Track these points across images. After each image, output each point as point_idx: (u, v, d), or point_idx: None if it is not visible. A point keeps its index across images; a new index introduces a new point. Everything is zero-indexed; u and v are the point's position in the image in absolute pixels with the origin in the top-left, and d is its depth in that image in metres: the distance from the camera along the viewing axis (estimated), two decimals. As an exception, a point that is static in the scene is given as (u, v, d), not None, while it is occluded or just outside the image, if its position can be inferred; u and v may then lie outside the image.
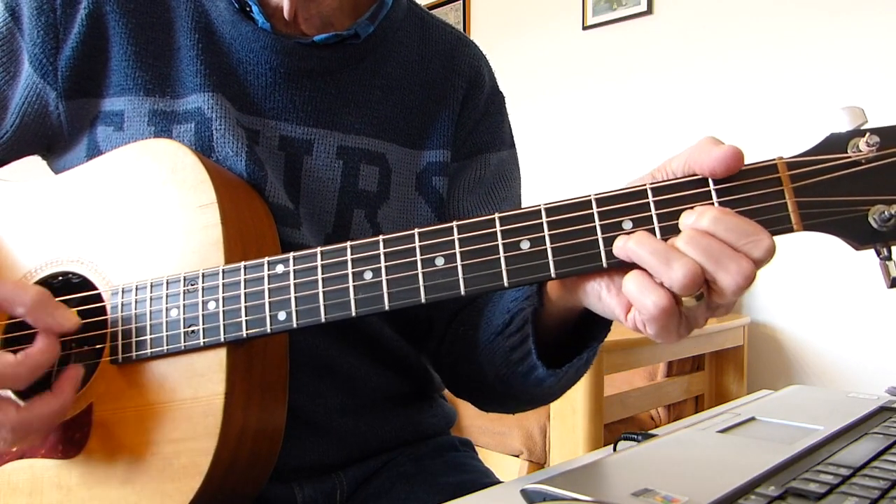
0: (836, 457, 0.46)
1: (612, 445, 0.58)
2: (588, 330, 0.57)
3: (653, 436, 0.55)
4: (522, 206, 0.81)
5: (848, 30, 2.20)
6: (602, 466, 0.46)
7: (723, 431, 0.55)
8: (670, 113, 2.59)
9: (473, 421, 1.98)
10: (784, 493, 0.39)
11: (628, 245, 0.44)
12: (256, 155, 0.63)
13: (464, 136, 0.75)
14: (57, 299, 0.59)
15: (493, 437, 1.93)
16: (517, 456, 1.88)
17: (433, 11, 0.81)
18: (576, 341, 0.58)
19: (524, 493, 0.42)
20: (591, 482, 0.42)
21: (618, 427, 1.84)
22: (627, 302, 0.46)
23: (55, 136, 0.67)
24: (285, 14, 0.66)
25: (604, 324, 0.56)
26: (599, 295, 0.49)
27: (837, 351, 2.23)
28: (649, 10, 2.66)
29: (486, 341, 0.62)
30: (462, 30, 3.33)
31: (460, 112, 0.75)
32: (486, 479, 0.72)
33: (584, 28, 2.85)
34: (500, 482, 0.64)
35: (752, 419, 0.59)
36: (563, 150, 2.90)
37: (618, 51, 2.76)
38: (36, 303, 0.51)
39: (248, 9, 0.67)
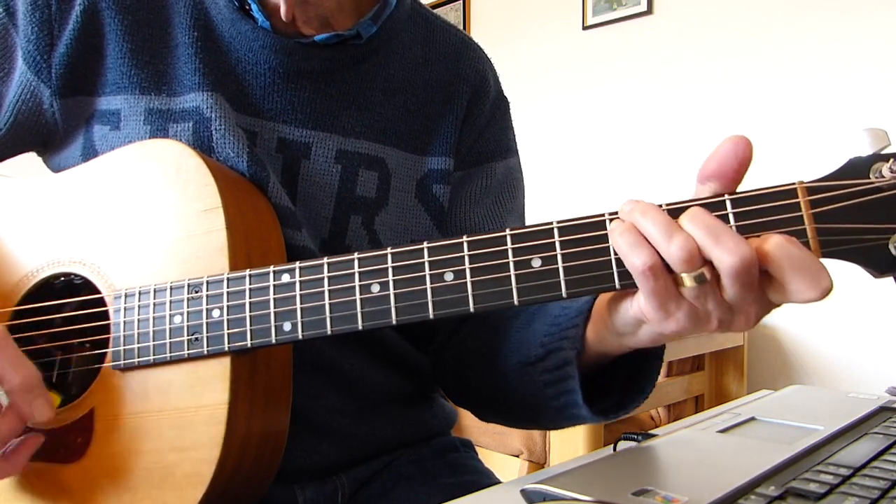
0: (836, 457, 0.46)
1: (612, 445, 0.58)
2: (626, 375, 0.55)
3: (653, 436, 0.55)
4: (526, 212, 0.81)
5: (850, 29, 2.19)
6: (602, 466, 0.46)
7: (723, 431, 0.55)
8: (670, 113, 2.59)
9: (473, 421, 1.96)
10: (784, 493, 0.39)
11: (634, 214, 0.43)
12: (257, 156, 0.62)
13: (469, 143, 0.74)
14: (60, 301, 0.59)
15: (493, 437, 1.93)
16: (517, 456, 1.88)
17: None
18: (611, 380, 0.56)
19: (524, 493, 0.42)
20: (591, 482, 0.42)
21: (618, 427, 1.84)
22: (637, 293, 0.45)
23: (50, 133, 0.66)
24: (282, 16, 0.64)
25: (649, 368, 0.54)
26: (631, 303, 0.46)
27: (837, 351, 2.23)
28: (649, 10, 2.66)
29: (515, 367, 0.59)
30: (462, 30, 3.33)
31: (464, 118, 0.73)
32: (486, 480, 0.72)
33: (584, 28, 2.85)
34: (500, 483, 0.64)
35: (752, 419, 0.59)
36: (562, 151, 2.89)
37: (618, 51, 2.76)
38: (20, 386, 0.51)
39: (247, 6, 0.65)
